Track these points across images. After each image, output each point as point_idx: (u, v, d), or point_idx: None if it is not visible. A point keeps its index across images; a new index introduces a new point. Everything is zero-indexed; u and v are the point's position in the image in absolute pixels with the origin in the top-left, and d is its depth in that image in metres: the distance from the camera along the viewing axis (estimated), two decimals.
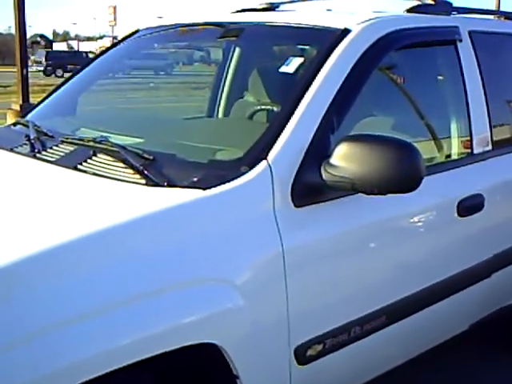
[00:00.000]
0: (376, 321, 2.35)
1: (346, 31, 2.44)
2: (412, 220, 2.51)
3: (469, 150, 2.85)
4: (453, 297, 2.69)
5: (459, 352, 3.36)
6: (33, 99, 11.86)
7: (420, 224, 2.55)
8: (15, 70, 12.81)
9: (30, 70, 13.35)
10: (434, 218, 2.61)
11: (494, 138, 2.95)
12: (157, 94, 5.15)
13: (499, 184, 2.96)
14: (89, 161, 2.21)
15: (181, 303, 1.80)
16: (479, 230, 2.82)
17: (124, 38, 3.32)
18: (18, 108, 12.21)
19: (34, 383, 1.56)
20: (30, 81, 13.11)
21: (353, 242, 2.28)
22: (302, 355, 2.14)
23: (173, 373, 1.99)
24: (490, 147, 2.92)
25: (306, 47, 2.73)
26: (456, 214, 2.65)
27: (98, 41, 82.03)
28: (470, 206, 2.70)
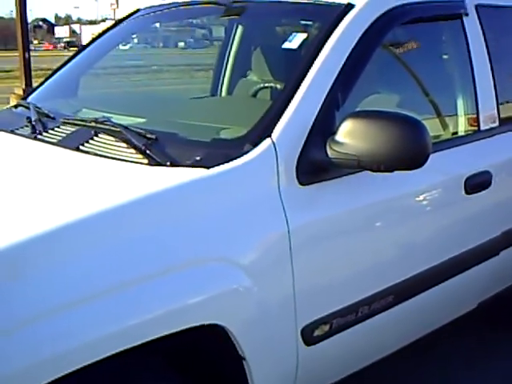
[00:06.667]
0: (383, 300, 2.32)
1: (350, 6, 2.39)
2: (419, 198, 2.48)
3: (475, 127, 2.81)
4: (460, 275, 2.67)
5: (468, 329, 3.35)
6: (36, 83, 11.82)
7: (427, 202, 2.51)
8: (17, 54, 12.77)
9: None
10: (441, 195, 2.57)
11: (501, 115, 2.91)
12: (160, 76, 5.10)
13: (507, 160, 2.92)
14: (90, 141, 2.19)
15: (185, 284, 1.77)
16: (487, 207, 2.79)
17: (125, 18, 3.28)
18: (20, 92, 12.19)
19: (37, 365, 1.54)
20: (36, 65, 13.07)
21: (359, 221, 2.25)
22: (309, 336, 2.11)
23: (181, 354, 1.97)
24: (496, 123, 2.88)
25: (309, 23, 2.69)
26: (463, 192, 2.62)
27: (101, 24, 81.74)
28: (477, 183, 2.67)
